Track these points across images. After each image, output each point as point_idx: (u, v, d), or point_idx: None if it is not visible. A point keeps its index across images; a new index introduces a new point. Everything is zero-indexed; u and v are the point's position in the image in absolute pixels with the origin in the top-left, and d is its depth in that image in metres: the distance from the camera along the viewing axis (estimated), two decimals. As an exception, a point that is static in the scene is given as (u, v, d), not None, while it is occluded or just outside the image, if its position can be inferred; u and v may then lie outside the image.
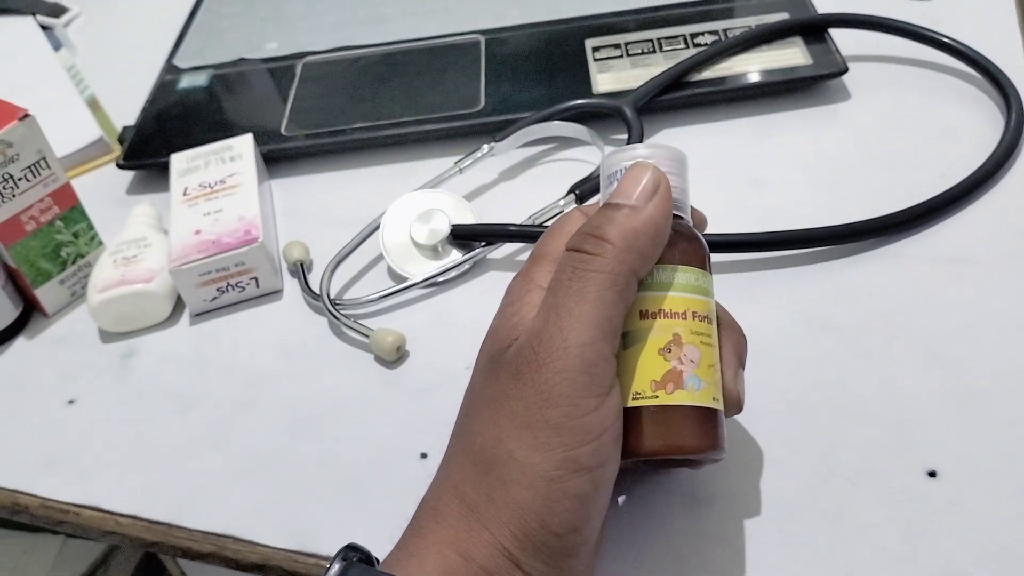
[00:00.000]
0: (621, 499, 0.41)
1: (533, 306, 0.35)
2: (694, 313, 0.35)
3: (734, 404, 0.37)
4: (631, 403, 0.34)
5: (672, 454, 0.34)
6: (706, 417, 0.35)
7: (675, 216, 0.36)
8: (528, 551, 0.32)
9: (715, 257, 0.50)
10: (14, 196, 0.52)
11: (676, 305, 0.35)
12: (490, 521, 0.33)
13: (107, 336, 0.54)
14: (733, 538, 0.39)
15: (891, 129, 0.58)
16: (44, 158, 0.53)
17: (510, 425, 0.33)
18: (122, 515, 0.45)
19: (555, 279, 0.34)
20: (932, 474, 0.40)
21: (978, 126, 0.57)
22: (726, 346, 0.37)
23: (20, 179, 0.52)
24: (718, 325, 0.37)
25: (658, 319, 0.35)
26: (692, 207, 0.39)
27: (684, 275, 0.35)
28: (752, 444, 0.42)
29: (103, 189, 0.65)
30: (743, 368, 0.38)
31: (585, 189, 0.53)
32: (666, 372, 0.34)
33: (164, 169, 0.61)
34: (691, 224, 0.38)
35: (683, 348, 0.34)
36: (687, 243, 0.36)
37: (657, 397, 0.34)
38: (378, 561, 0.35)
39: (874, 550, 0.38)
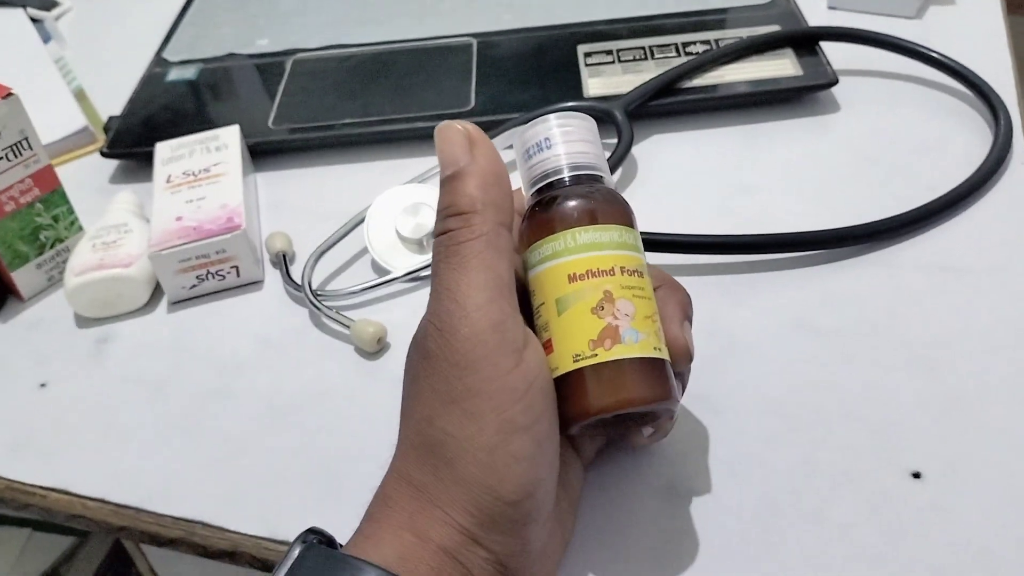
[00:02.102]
0: (598, 492, 0.40)
1: None
2: (622, 268, 0.35)
3: (683, 354, 0.36)
4: (573, 366, 0.34)
5: (622, 408, 0.34)
6: (650, 367, 0.34)
7: (593, 177, 0.37)
8: (485, 526, 0.32)
9: (703, 259, 0.51)
10: (-6, 175, 0.51)
11: (602, 263, 0.35)
12: (441, 500, 0.32)
13: (83, 321, 0.53)
14: (712, 534, 0.38)
15: (880, 141, 0.58)
16: (26, 138, 0.52)
17: (436, 403, 0.33)
18: (90, 499, 0.44)
19: (433, 265, 0.34)
20: (916, 475, 0.39)
21: (966, 139, 0.57)
22: (670, 303, 0.37)
23: (0, 158, 0.51)
24: (662, 284, 0.38)
25: (586, 279, 0.35)
26: None
27: (606, 234, 0.35)
28: (735, 442, 0.41)
29: (86, 177, 0.64)
30: (690, 322, 0.38)
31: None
32: (602, 329, 0.34)
33: (148, 159, 0.60)
34: (612, 186, 0.38)
35: (616, 303, 0.34)
36: (607, 204, 0.36)
37: (596, 355, 0.34)
38: (340, 545, 0.34)
39: (855, 549, 0.37)
